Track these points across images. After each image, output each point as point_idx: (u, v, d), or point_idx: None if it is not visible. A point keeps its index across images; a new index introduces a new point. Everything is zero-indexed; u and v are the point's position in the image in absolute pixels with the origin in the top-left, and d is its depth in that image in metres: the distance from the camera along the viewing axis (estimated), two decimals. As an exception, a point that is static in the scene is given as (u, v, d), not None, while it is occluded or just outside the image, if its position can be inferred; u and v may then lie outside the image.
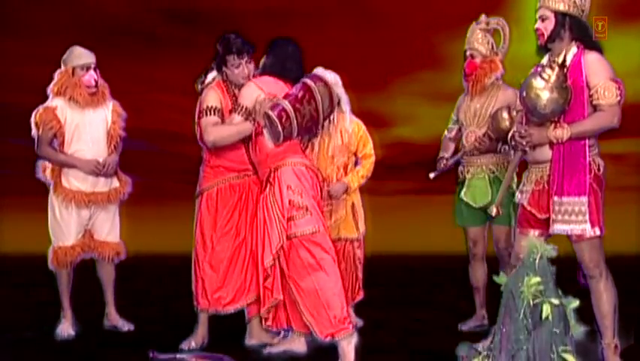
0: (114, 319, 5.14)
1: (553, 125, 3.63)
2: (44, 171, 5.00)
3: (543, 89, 3.54)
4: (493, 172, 4.94)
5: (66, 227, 4.92)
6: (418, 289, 8.45)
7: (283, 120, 3.90)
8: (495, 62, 4.96)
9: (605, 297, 3.61)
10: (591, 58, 3.63)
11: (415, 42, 12.58)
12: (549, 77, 3.57)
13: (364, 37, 12.56)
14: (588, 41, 3.70)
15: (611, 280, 3.64)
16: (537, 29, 3.74)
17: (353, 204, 5.08)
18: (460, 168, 5.04)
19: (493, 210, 3.88)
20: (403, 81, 13.16)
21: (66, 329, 4.90)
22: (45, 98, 4.96)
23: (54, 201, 4.92)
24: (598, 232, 3.59)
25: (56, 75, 4.95)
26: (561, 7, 3.68)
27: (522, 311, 3.01)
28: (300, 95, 3.96)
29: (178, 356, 4.08)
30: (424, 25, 12.23)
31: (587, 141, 3.60)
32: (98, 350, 4.35)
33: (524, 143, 3.68)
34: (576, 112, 3.61)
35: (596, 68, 3.60)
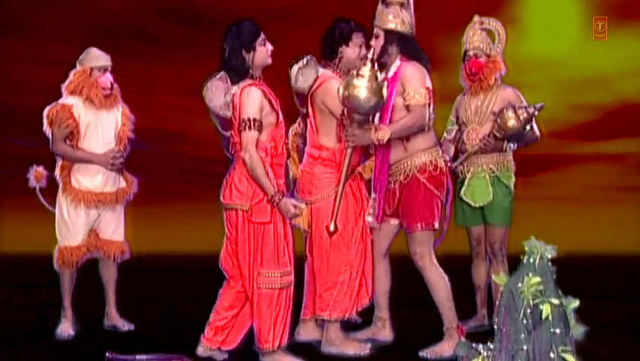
0: (114, 319, 5.14)
1: (374, 128, 4.01)
2: (36, 178, 5.03)
3: (361, 86, 3.84)
4: (494, 171, 4.94)
5: (73, 227, 4.92)
6: (418, 289, 8.42)
7: None
8: (498, 61, 4.98)
9: (430, 286, 4.35)
10: (407, 68, 4.14)
11: (415, 42, 12.58)
12: (365, 73, 3.87)
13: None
14: (412, 54, 4.22)
15: (435, 271, 4.28)
16: (370, 45, 4.20)
17: None
18: (460, 167, 5.04)
19: (332, 226, 4.04)
20: (403, 81, 13.15)
21: (66, 329, 4.90)
22: (46, 98, 4.97)
23: (62, 201, 4.93)
24: (419, 227, 4.19)
25: (72, 74, 4.96)
26: (389, 26, 4.21)
27: (522, 311, 3.01)
28: None
29: (137, 357, 4.04)
30: (424, 25, 12.23)
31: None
32: (98, 350, 4.35)
33: (349, 143, 4.01)
34: (384, 116, 4.12)
35: (410, 76, 4.11)
